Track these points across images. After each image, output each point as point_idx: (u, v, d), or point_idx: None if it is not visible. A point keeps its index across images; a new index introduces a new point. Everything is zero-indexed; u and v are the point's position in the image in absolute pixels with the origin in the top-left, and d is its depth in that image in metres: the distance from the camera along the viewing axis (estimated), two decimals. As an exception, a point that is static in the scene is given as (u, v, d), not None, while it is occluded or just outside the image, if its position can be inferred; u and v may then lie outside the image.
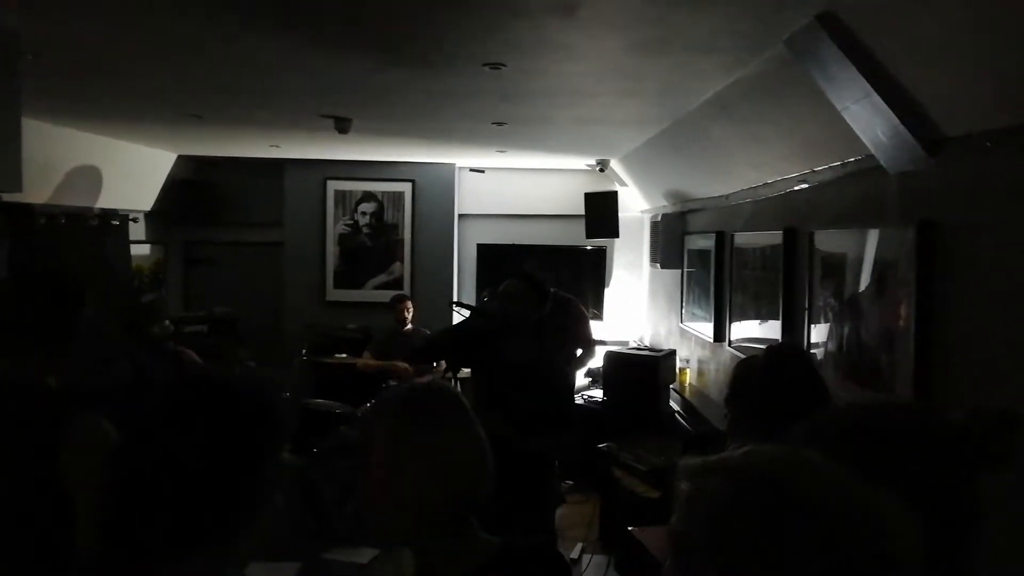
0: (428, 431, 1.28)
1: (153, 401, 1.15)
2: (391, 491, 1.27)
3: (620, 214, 6.82)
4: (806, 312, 3.28)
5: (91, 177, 5.64)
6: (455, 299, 5.00)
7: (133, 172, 6.36)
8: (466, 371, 4.50)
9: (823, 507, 0.71)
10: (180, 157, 6.95)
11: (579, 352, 5.05)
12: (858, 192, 2.91)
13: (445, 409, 1.31)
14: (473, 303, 6.39)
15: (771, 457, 0.78)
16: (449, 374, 5.13)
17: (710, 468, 0.78)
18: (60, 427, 1.58)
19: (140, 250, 6.69)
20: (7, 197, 3.67)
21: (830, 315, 3.06)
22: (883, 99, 2.27)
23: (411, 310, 6.24)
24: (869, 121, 2.42)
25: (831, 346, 3.03)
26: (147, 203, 6.77)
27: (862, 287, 2.80)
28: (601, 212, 6.86)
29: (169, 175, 6.93)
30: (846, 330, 2.90)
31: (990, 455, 1.05)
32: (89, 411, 1.63)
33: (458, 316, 4.38)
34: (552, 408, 4.15)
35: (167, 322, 5.25)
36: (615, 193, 6.84)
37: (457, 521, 1.28)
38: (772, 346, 2.27)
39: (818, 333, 3.18)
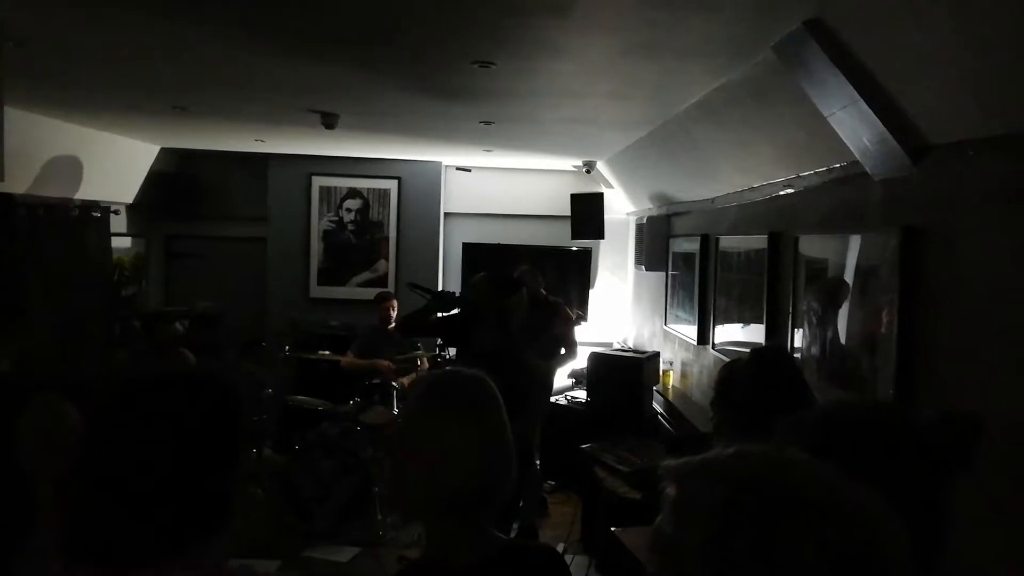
0: (441, 417, 1.30)
1: (119, 397, 1.13)
2: (403, 469, 1.32)
3: (606, 216, 6.84)
4: (790, 316, 3.31)
5: (71, 168, 5.57)
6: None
7: (115, 164, 6.28)
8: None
9: (816, 509, 0.71)
10: (163, 149, 6.88)
11: (562, 351, 5.21)
12: (843, 197, 2.93)
13: (464, 399, 1.33)
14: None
15: (763, 459, 0.77)
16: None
17: (699, 469, 0.77)
18: (15, 410, 1.55)
19: (121, 243, 6.62)
20: (-13, 187, 3.61)
21: (813, 319, 3.08)
22: (869, 106, 2.29)
23: (395, 308, 6.23)
24: (855, 128, 2.45)
25: (814, 350, 3.05)
26: (129, 195, 6.70)
27: (846, 292, 2.82)
28: (587, 213, 6.88)
29: (152, 167, 6.87)
30: (829, 334, 2.92)
31: (955, 457, 1.08)
32: (48, 391, 1.60)
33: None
34: (516, 393, 4.24)
35: (178, 324, 5.22)
36: (601, 195, 6.86)
37: (463, 510, 1.29)
38: (757, 348, 2.28)
39: (801, 337, 3.21)
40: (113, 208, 6.18)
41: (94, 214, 5.82)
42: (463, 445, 1.28)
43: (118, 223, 6.42)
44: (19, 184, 4.95)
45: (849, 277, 2.79)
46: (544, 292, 5.45)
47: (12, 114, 3.70)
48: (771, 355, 2.18)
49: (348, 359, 5.89)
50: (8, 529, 1.55)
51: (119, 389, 1.14)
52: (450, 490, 1.27)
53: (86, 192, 5.79)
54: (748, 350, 2.35)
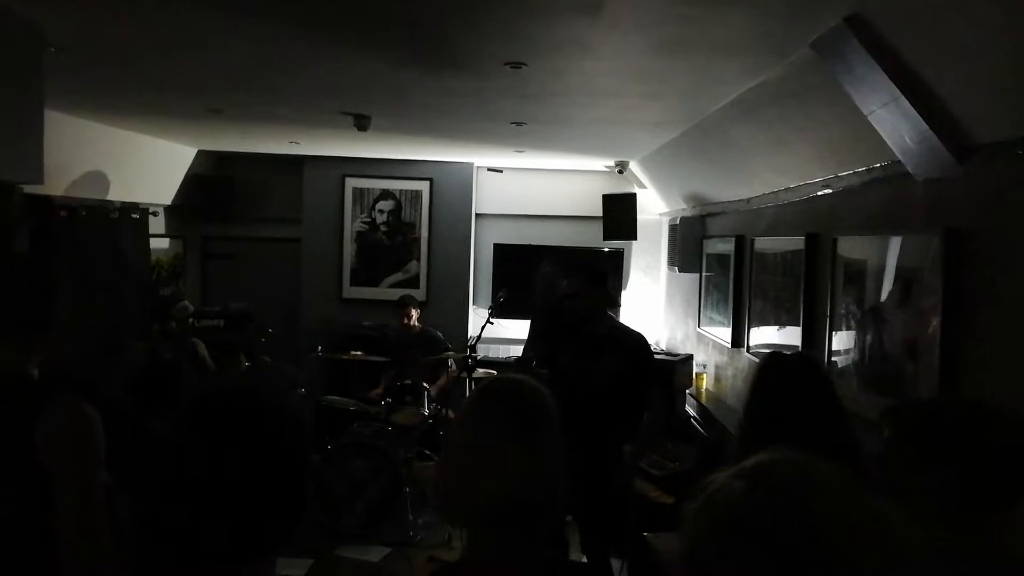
0: (490, 425, 1.28)
1: (199, 411, 1.15)
2: (449, 473, 1.31)
3: (638, 216, 6.78)
4: (827, 319, 3.24)
5: (110, 170, 5.67)
6: (471, 300, 5.17)
7: (154, 166, 6.40)
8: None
9: (811, 507, 0.75)
10: (200, 152, 6.99)
11: None
12: (883, 198, 2.86)
13: (517, 409, 1.30)
14: (489, 303, 6.45)
15: (776, 459, 0.83)
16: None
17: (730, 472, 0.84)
18: (36, 412, 1.54)
19: (159, 244, 6.73)
20: (28, 189, 3.69)
21: (852, 323, 3.01)
22: (911, 104, 2.23)
23: (412, 316, 6.23)
24: (896, 126, 2.38)
25: (853, 354, 2.98)
26: (167, 197, 6.81)
27: (886, 295, 2.75)
28: (619, 214, 6.82)
29: (189, 170, 6.98)
30: (869, 338, 2.85)
31: None
32: (68, 393, 1.60)
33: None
34: None
35: (185, 302, 5.31)
36: (634, 195, 6.80)
37: (509, 522, 1.25)
38: (772, 352, 2.26)
39: (840, 340, 3.13)
40: (152, 210, 6.29)
41: (133, 216, 5.92)
42: (510, 455, 1.25)
43: (156, 224, 6.53)
44: (59, 187, 5.05)
45: (890, 279, 2.72)
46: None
47: (52, 117, 3.77)
48: (782, 357, 2.14)
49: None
50: (27, 532, 1.55)
51: (198, 404, 1.16)
52: (492, 500, 1.24)
53: (125, 194, 5.89)
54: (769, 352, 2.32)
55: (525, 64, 3.07)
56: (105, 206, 5.58)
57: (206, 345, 5.49)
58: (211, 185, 7.27)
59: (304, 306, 7.36)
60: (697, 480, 0.84)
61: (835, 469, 0.80)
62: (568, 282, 3.81)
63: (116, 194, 5.78)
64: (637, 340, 3.64)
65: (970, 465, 1.33)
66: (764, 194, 4.11)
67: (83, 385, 1.69)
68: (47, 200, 4.78)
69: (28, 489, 1.53)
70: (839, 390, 3.00)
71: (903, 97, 2.23)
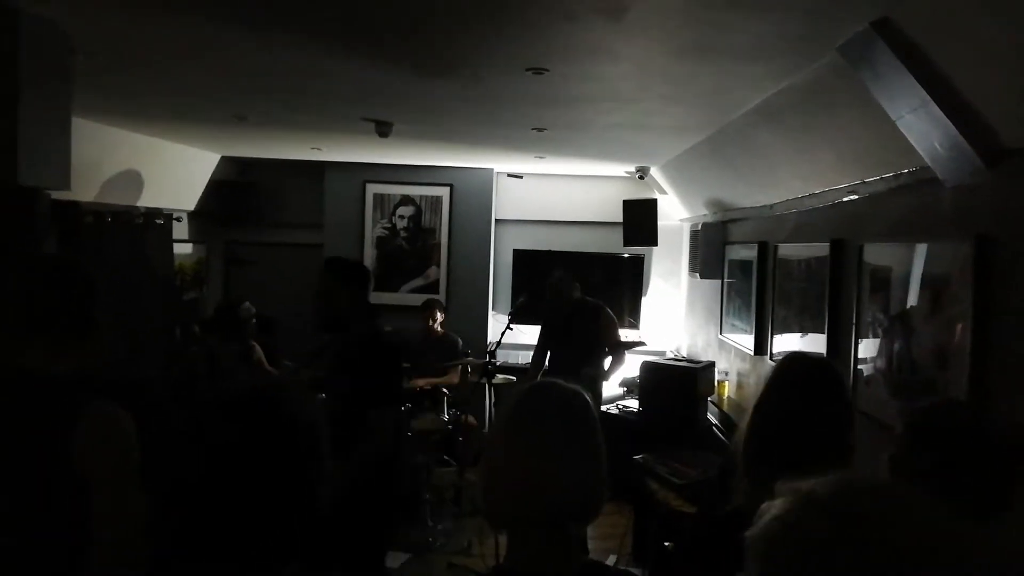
0: (527, 430, 1.30)
1: (218, 414, 1.15)
2: (493, 476, 1.31)
3: (659, 222, 6.75)
4: (853, 326, 3.19)
5: (135, 176, 5.75)
6: (491, 306, 5.14)
7: (177, 172, 6.46)
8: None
9: (897, 541, 0.71)
10: (223, 158, 7.06)
11: (608, 357, 5.24)
12: (911, 204, 2.81)
13: (557, 410, 1.31)
14: (509, 309, 6.46)
15: (851, 487, 0.78)
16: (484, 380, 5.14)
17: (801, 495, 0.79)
18: (69, 416, 1.56)
19: (183, 249, 6.80)
20: (55, 195, 3.74)
21: (879, 330, 2.97)
22: (941, 109, 2.19)
23: (437, 319, 6.26)
24: (925, 131, 2.34)
25: (880, 362, 2.93)
26: (190, 203, 6.88)
27: (914, 302, 2.70)
28: (640, 220, 6.79)
29: (212, 175, 7.04)
30: (896, 346, 2.80)
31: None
32: (101, 398, 1.61)
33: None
34: None
35: (248, 303, 5.37)
36: (654, 201, 6.77)
37: (547, 524, 1.27)
38: (793, 351, 2.23)
39: (866, 348, 3.09)
40: (176, 215, 6.36)
41: (157, 221, 5.99)
42: (555, 456, 1.26)
43: (180, 230, 6.60)
44: (86, 192, 5.12)
45: (916, 287, 2.68)
46: (580, 295, 5.35)
47: (79, 124, 3.83)
48: (789, 360, 2.09)
49: (419, 381, 5.88)
50: (64, 535, 1.56)
51: (215, 407, 1.16)
52: (538, 501, 1.25)
53: (150, 200, 5.96)
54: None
55: (547, 69, 3.07)
56: (130, 211, 5.65)
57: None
58: (234, 191, 7.34)
59: (325, 311, 7.39)
60: (717, 488, 0.82)
61: (912, 493, 0.78)
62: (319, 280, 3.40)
63: (141, 199, 5.85)
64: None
65: (956, 468, 1.39)
66: (788, 200, 4.07)
67: (121, 390, 1.69)
68: (75, 206, 4.84)
69: (64, 494, 1.54)
70: (867, 398, 2.99)
71: (932, 102, 2.19)
